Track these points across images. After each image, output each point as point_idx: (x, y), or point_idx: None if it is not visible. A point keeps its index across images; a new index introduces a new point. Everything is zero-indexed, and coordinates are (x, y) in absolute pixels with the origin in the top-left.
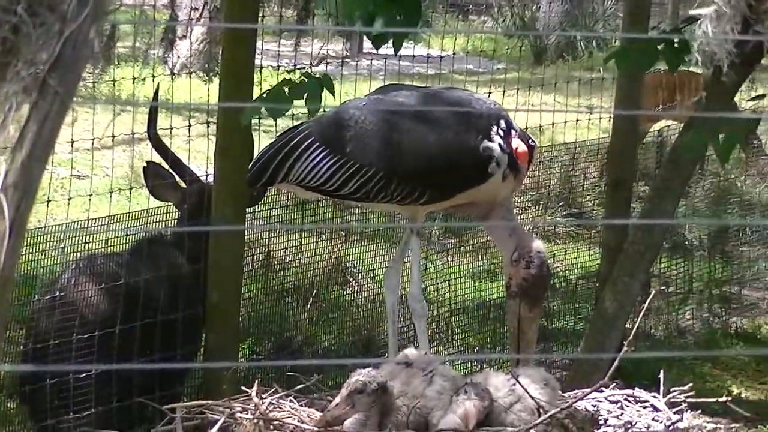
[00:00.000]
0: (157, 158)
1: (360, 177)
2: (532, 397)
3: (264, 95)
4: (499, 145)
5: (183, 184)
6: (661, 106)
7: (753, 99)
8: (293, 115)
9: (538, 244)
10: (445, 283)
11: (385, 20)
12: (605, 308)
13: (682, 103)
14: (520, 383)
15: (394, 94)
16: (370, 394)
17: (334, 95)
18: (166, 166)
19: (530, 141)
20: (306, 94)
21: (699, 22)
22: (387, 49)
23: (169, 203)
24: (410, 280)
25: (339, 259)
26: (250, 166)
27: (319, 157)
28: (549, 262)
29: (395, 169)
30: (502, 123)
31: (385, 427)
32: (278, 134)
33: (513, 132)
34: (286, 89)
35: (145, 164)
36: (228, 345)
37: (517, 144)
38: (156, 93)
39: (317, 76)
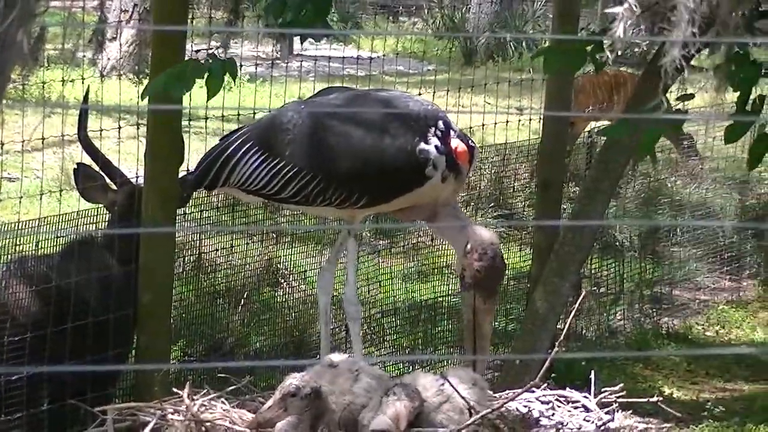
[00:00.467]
0: (87, 160)
1: (298, 181)
2: (462, 397)
3: (166, 74)
4: (436, 147)
5: (113, 186)
6: (598, 107)
7: (680, 98)
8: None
9: (491, 236)
10: (376, 284)
11: (296, 6)
12: (536, 309)
13: (619, 103)
14: (449, 383)
15: (332, 97)
16: (303, 398)
17: (234, 79)
18: (97, 168)
19: (470, 141)
20: (207, 74)
21: (612, 22)
22: (316, 50)
23: (100, 205)
24: (345, 282)
25: (270, 261)
26: (194, 168)
27: (258, 161)
28: (501, 252)
29: (332, 173)
30: (440, 124)
31: (316, 430)
32: (220, 137)
33: (452, 132)
34: (189, 69)
35: (75, 166)
36: (159, 347)
37: (457, 144)
38: (86, 95)
39: (223, 59)
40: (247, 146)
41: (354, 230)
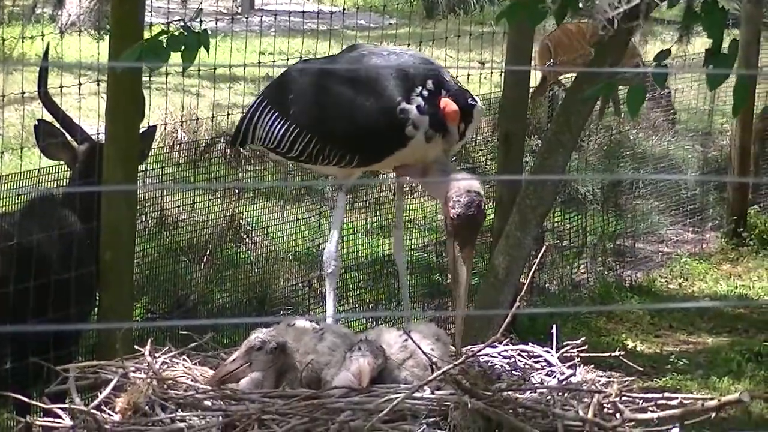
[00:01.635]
0: (48, 117)
1: (301, 140)
2: (425, 353)
3: (141, 46)
4: (418, 106)
5: (75, 143)
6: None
7: (658, 57)
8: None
9: (470, 184)
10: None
11: None
12: (498, 263)
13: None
14: (411, 339)
15: (348, 56)
16: (268, 352)
17: (208, 51)
18: (58, 125)
19: (470, 100)
20: (183, 48)
21: None
22: (277, 5)
23: (61, 162)
24: (329, 237)
25: (233, 217)
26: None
27: (272, 119)
28: (481, 199)
29: (326, 133)
30: (429, 83)
31: (277, 386)
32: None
33: (443, 92)
34: (164, 41)
35: (35, 123)
36: (122, 304)
37: (446, 103)
38: (46, 52)
39: (196, 30)
40: (263, 104)
41: (346, 186)
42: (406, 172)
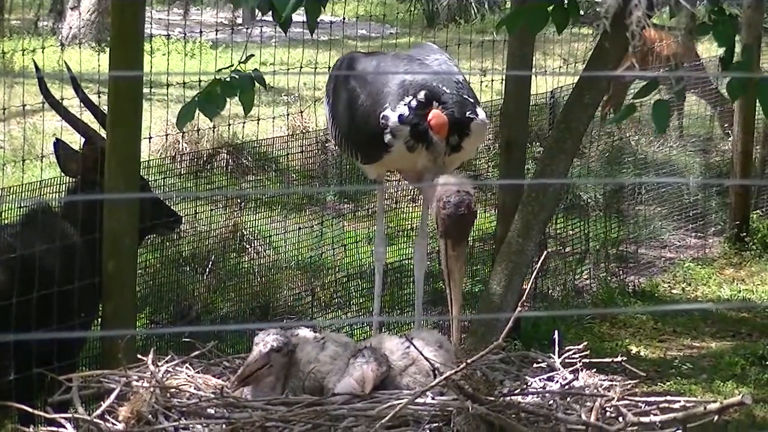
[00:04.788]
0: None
1: (335, 132)
2: (426, 358)
3: (197, 98)
4: (400, 115)
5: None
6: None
7: (645, 88)
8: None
9: (460, 183)
10: (341, 248)
11: None
12: (501, 269)
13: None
14: (414, 345)
15: (396, 55)
16: (286, 354)
17: (266, 89)
18: (71, 141)
19: (469, 113)
20: (239, 91)
21: None
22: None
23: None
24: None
25: (235, 227)
26: None
27: (327, 108)
28: (471, 198)
29: (340, 130)
30: (421, 94)
31: (283, 392)
32: None
33: (435, 104)
34: (219, 89)
35: (54, 142)
36: (125, 314)
37: (433, 115)
38: (36, 65)
39: (248, 72)
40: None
41: (382, 184)
42: (406, 177)
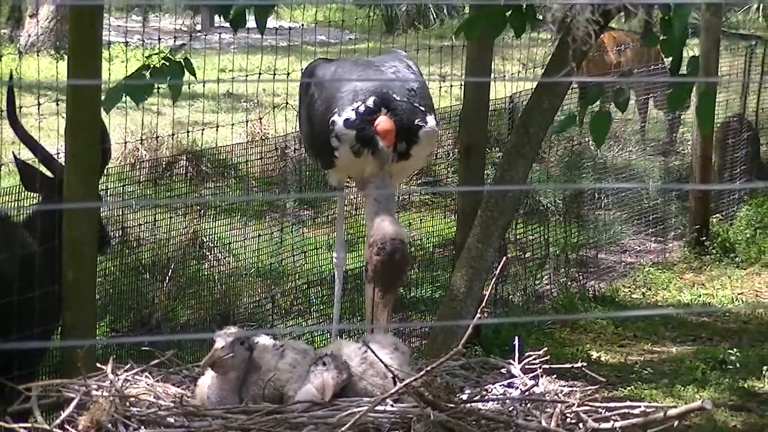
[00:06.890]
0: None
1: (302, 139)
2: (387, 367)
3: (124, 81)
4: (346, 120)
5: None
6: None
7: (592, 92)
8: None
9: (395, 231)
10: (301, 254)
11: None
12: (461, 275)
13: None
14: (372, 350)
15: (355, 61)
16: (248, 348)
17: (195, 76)
18: (30, 161)
19: (418, 121)
20: (168, 78)
21: None
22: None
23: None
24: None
25: (195, 234)
26: None
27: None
28: (405, 249)
29: (304, 135)
30: (370, 100)
31: (242, 399)
32: None
33: (384, 110)
34: (147, 73)
35: (18, 165)
36: (85, 323)
37: (381, 122)
38: (10, 76)
39: (177, 59)
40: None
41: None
42: (356, 184)
